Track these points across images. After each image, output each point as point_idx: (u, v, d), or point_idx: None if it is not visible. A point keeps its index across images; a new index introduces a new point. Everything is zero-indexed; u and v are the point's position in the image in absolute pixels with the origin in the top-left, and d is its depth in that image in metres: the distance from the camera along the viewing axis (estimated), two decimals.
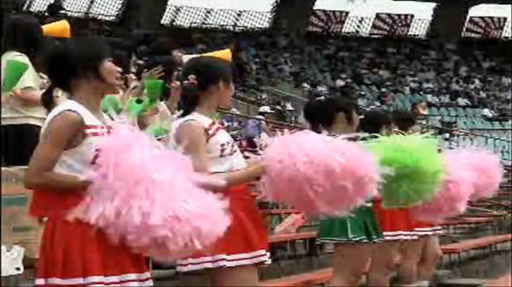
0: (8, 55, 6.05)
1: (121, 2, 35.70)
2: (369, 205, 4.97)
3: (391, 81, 35.27)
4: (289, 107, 26.44)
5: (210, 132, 4.17)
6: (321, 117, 5.76)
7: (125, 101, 6.43)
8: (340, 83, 33.80)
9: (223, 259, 4.06)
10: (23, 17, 8.55)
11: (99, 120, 3.58)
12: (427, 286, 7.39)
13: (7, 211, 5.36)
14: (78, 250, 3.40)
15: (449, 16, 38.26)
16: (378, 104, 31.44)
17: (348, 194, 4.09)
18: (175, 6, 37.33)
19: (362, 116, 6.19)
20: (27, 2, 33.12)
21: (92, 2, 35.70)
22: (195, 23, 37.40)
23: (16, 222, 5.36)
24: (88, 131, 3.49)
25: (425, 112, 30.28)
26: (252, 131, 18.07)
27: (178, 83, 5.82)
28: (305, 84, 32.37)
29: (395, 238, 6.32)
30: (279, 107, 25.67)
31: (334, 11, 38.82)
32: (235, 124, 17.82)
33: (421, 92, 34.77)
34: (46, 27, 6.37)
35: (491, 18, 40.01)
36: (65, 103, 3.55)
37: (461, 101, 34.23)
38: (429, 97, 34.22)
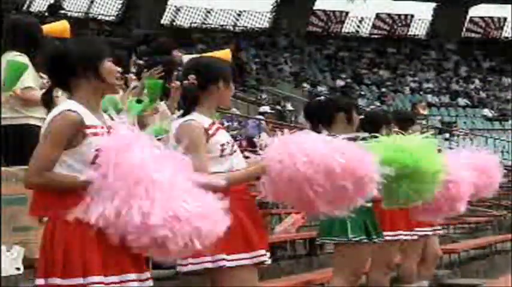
0: (8, 55, 6.05)
1: (121, 2, 35.71)
2: (369, 205, 4.97)
3: (391, 81, 35.27)
4: (289, 107, 26.44)
5: (210, 132, 4.17)
6: (321, 117, 5.76)
7: (125, 101, 6.42)
8: (340, 83, 33.81)
9: (223, 259, 4.06)
10: (23, 17, 8.54)
11: (99, 120, 3.58)
12: (427, 286, 7.39)
13: (7, 211, 5.36)
14: (78, 250, 3.40)
15: (449, 16, 38.27)
16: (378, 104, 31.44)
17: (348, 194, 4.09)
18: (175, 6, 37.34)
19: (362, 116, 6.19)
20: (27, 2, 33.12)
21: (92, 2, 35.71)
22: (195, 23, 37.42)
23: (16, 222, 5.36)
24: (88, 131, 3.49)
25: (425, 112, 30.28)
26: (252, 131, 18.07)
27: (178, 83, 5.82)
28: (305, 84, 32.37)
29: (395, 238, 6.32)
30: (279, 107, 25.68)
31: (334, 11, 38.83)
32: (235, 124, 17.82)
33: (421, 92, 34.78)
34: (46, 27, 6.37)
35: (491, 18, 40.01)
36: (64, 103, 3.55)
37: (461, 101, 34.24)
38: (429, 97, 34.22)
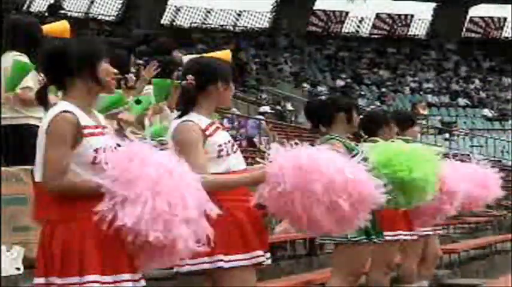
0: (8, 55, 6.04)
1: (121, 2, 35.71)
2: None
3: (391, 81, 35.28)
4: (289, 107, 26.48)
5: (208, 133, 4.15)
6: (321, 117, 5.76)
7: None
8: (340, 83, 33.82)
9: (221, 260, 4.05)
10: (23, 17, 8.54)
11: (93, 120, 3.58)
12: (427, 286, 7.38)
13: (7, 211, 5.35)
14: (77, 249, 3.40)
15: (449, 16, 38.28)
16: (378, 104, 31.46)
17: (348, 212, 4.02)
18: (175, 6, 37.35)
19: (362, 116, 6.20)
20: (27, 2, 33.12)
21: (92, 2, 35.71)
22: (195, 23, 37.42)
23: (16, 222, 5.35)
24: (85, 131, 3.50)
25: (425, 112, 30.30)
26: (252, 131, 18.08)
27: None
28: (305, 84, 32.39)
29: (395, 238, 6.31)
30: (279, 107, 25.72)
31: (334, 11, 38.84)
32: (235, 124, 17.83)
33: (421, 92, 34.79)
34: (46, 27, 6.36)
35: (491, 18, 40.03)
36: (58, 105, 3.54)
37: (461, 101, 34.25)
38: (429, 97, 34.23)
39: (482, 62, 38.33)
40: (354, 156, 4.31)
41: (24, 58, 5.99)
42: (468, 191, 6.38)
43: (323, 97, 6.35)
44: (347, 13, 38.93)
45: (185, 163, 3.53)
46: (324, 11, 38.80)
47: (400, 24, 39.58)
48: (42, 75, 5.82)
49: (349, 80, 34.27)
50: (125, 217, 3.32)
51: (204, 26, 37.34)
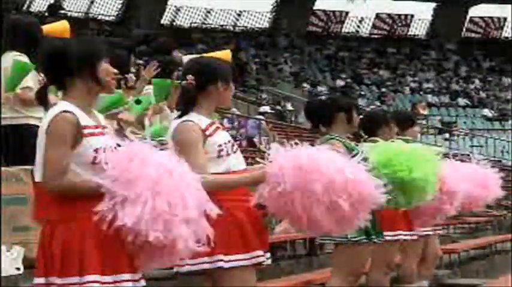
0: (8, 55, 6.04)
1: (121, 2, 35.72)
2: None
3: (391, 81, 35.29)
4: (289, 107, 26.48)
5: (207, 133, 4.15)
6: (321, 117, 5.76)
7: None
8: (340, 83, 33.82)
9: (221, 260, 4.05)
10: (23, 17, 8.53)
11: (93, 120, 3.58)
12: (427, 286, 7.38)
13: (7, 211, 5.36)
14: (77, 249, 3.40)
15: (449, 16, 38.28)
16: (378, 104, 31.46)
17: (347, 212, 4.01)
18: (175, 6, 37.36)
19: (362, 116, 6.20)
20: (27, 2, 33.12)
21: (92, 2, 35.72)
22: (195, 23, 37.43)
23: (16, 222, 5.36)
24: (85, 131, 3.49)
25: (425, 112, 30.31)
26: (252, 131, 18.08)
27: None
28: (305, 84, 32.39)
29: (395, 238, 6.31)
30: (279, 107, 25.72)
31: (334, 11, 38.85)
32: (235, 124, 17.83)
33: (421, 92, 34.79)
34: (46, 28, 6.36)
35: (491, 18, 40.03)
36: (58, 105, 3.54)
37: (461, 101, 34.25)
38: (429, 97, 34.24)
39: (482, 62, 38.34)
40: (353, 156, 4.32)
41: (24, 58, 5.98)
42: (468, 191, 6.39)
43: (323, 97, 6.34)
44: (347, 13, 38.94)
45: (185, 163, 3.54)
46: (324, 11, 38.81)
47: (400, 24, 39.58)
48: (42, 75, 5.84)
49: (349, 80, 34.27)
50: (124, 217, 3.32)
51: (204, 26, 37.35)
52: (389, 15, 39.60)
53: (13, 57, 5.97)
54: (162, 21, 36.16)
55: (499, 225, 16.19)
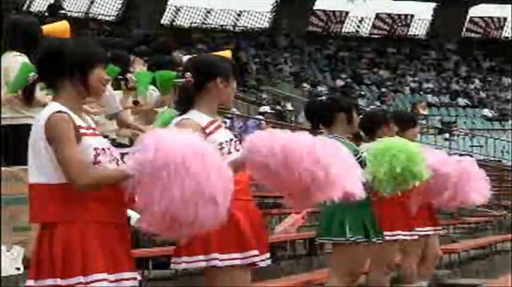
0: (8, 55, 6.04)
1: (121, 2, 35.72)
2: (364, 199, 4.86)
3: (391, 81, 35.29)
4: (289, 107, 26.45)
5: (207, 131, 4.13)
6: (321, 117, 5.76)
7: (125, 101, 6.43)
8: (340, 83, 33.82)
9: (216, 259, 4.05)
10: (23, 17, 8.53)
11: (83, 121, 3.57)
12: (427, 286, 7.38)
13: (7, 211, 5.36)
14: (79, 250, 3.40)
15: (449, 16, 38.28)
16: (378, 104, 31.45)
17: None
18: (175, 6, 37.35)
19: (361, 116, 6.21)
20: (27, 2, 33.12)
21: (92, 2, 35.72)
22: (195, 23, 37.43)
23: (16, 222, 5.36)
24: (80, 131, 3.49)
25: (425, 112, 30.32)
26: (252, 131, 18.05)
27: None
28: (305, 84, 32.39)
29: (395, 238, 6.32)
30: (279, 107, 25.69)
31: (334, 11, 38.84)
32: (235, 123, 17.82)
33: (421, 92, 34.79)
34: (46, 28, 6.36)
35: (491, 18, 40.03)
36: (50, 105, 3.52)
37: (461, 101, 34.25)
38: (429, 97, 34.23)
39: (482, 62, 38.34)
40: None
41: (24, 58, 5.98)
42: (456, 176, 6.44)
43: (323, 97, 6.33)
44: (347, 13, 38.94)
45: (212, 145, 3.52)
46: (324, 11, 38.81)
47: (400, 24, 39.58)
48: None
49: (349, 80, 34.27)
50: (158, 201, 3.28)
51: (204, 26, 37.35)
52: (389, 15, 39.60)
53: (13, 57, 5.96)
54: (162, 21, 36.16)
55: (499, 225, 16.20)
